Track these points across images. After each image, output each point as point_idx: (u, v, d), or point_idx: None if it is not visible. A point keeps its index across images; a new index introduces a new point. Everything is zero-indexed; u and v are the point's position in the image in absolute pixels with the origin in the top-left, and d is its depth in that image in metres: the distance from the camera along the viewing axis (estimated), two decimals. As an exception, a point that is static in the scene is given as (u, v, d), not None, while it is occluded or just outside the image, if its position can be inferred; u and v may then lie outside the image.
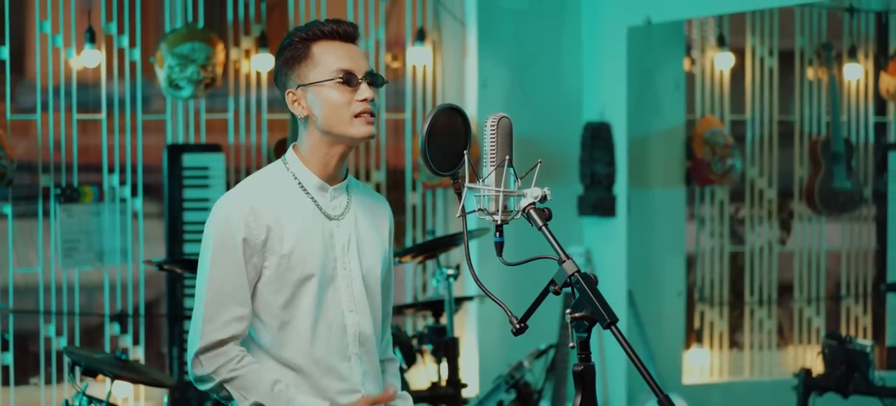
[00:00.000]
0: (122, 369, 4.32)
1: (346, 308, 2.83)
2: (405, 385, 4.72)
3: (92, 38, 5.54)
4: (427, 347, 4.83)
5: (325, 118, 2.78)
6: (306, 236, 2.79)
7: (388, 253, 2.95)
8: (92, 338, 5.78)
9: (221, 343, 2.76)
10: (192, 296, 5.75)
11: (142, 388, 5.75)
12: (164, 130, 5.81)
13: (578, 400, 2.41)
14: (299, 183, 2.83)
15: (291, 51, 2.81)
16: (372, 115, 2.79)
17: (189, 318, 5.68)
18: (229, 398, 2.78)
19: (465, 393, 4.84)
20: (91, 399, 4.21)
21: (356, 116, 2.77)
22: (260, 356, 2.81)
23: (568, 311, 2.39)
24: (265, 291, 2.78)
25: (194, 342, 2.78)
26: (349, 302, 2.83)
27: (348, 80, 2.77)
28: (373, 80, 2.80)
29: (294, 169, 2.84)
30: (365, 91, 2.77)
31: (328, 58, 2.78)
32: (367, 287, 2.87)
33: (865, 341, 5.35)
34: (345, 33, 2.81)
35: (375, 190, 6.01)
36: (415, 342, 4.82)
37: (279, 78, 2.85)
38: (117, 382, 4.42)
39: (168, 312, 5.73)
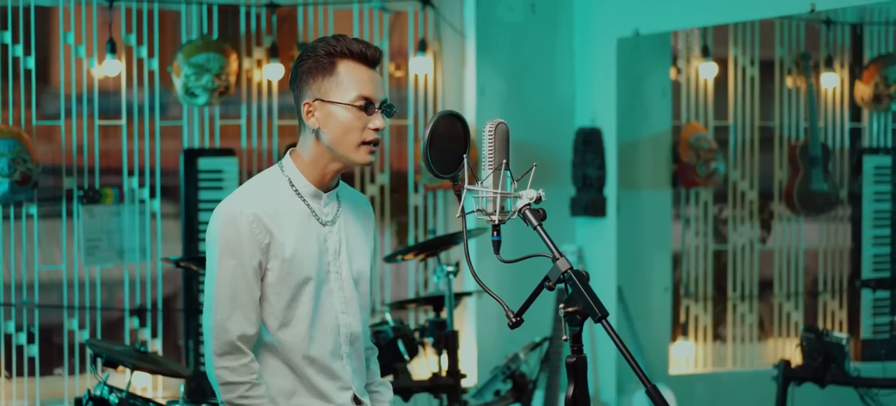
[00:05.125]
0: (141, 361, 4.31)
1: (339, 309, 2.81)
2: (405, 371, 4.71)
3: (113, 48, 5.53)
4: (428, 340, 4.82)
5: (334, 137, 2.73)
6: (304, 241, 2.75)
7: (372, 249, 2.95)
8: (112, 331, 5.78)
9: (237, 349, 2.72)
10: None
11: (160, 378, 5.74)
12: (180, 136, 5.80)
13: (571, 390, 2.40)
14: (295, 189, 2.78)
15: (315, 62, 2.74)
16: (377, 144, 2.76)
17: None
18: None
19: (464, 383, 4.83)
20: (112, 389, 4.20)
21: (363, 144, 2.74)
22: (262, 353, 2.78)
23: (561, 305, 2.39)
24: (268, 293, 2.74)
25: (209, 345, 2.74)
26: (341, 304, 2.81)
27: (366, 106, 2.72)
28: (387, 109, 2.76)
29: (290, 175, 2.79)
30: (378, 120, 2.73)
31: (351, 80, 2.72)
32: (358, 289, 2.86)
33: (841, 334, 5.34)
34: (371, 58, 2.75)
35: (378, 192, 6.04)
36: (417, 335, 4.81)
37: (296, 84, 2.78)
38: (137, 373, 4.42)
39: (184, 307, 5.73)
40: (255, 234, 2.71)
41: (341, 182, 2.89)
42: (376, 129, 2.73)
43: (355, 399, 2.85)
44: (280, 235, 2.73)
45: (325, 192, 2.81)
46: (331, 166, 2.78)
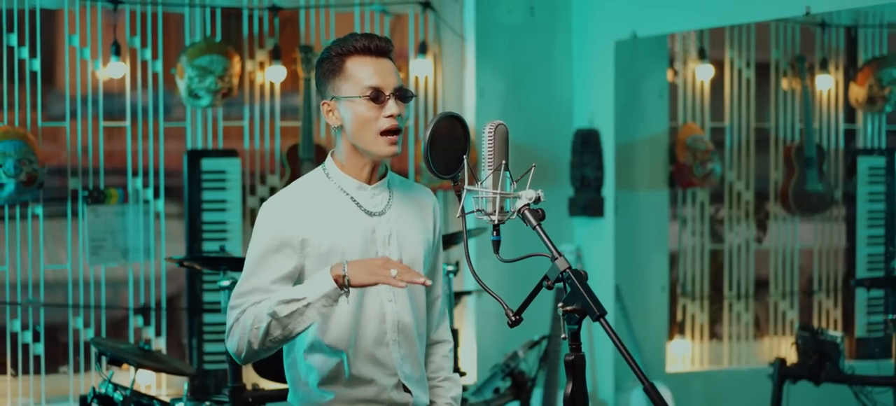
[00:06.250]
0: (145, 359, 4.31)
1: (386, 298, 2.82)
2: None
3: (117, 51, 5.54)
4: (429, 338, 4.82)
5: (354, 132, 2.77)
6: (345, 234, 2.78)
7: (434, 240, 2.94)
8: (117, 329, 5.78)
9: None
10: (211, 290, 5.78)
11: (164, 376, 5.75)
12: (184, 137, 5.81)
13: (570, 387, 2.41)
14: (339, 187, 2.82)
15: (328, 63, 2.80)
16: (398, 130, 2.77)
17: (207, 311, 5.69)
18: (262, 346, 2.74)
19: (464, 381, 4.83)
20: (116, 386, 4.20)
21: (382, 133, 2.76)
22: (309, 342, 2.82)
23: (560, 304, 2.39)
24: None
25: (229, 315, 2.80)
26: (388, 292, 2.82)
27: (376, 97, 2.75)
28: (401, 95, 2.78)
29: (333, 175, 2.84)
30: (392, 107, 2.75)
31: (359, 73, 2.76)
32: None
33: (836, 333, 5.35)
34: (376, 48, 2.78)
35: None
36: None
37: (318, 87, 2.85)
38: (141, 371, 4.42)
39: (188, 306, 5.73)
40: (287, 232, 2.75)
41: (396, 175, 2.93)
42: (391, 116, 2.75)
43: (404, 387, 2.85)
44: (315, 233, 2.76)
45: (371, 183, 2.84)
46: (363, 160, 2.82)
